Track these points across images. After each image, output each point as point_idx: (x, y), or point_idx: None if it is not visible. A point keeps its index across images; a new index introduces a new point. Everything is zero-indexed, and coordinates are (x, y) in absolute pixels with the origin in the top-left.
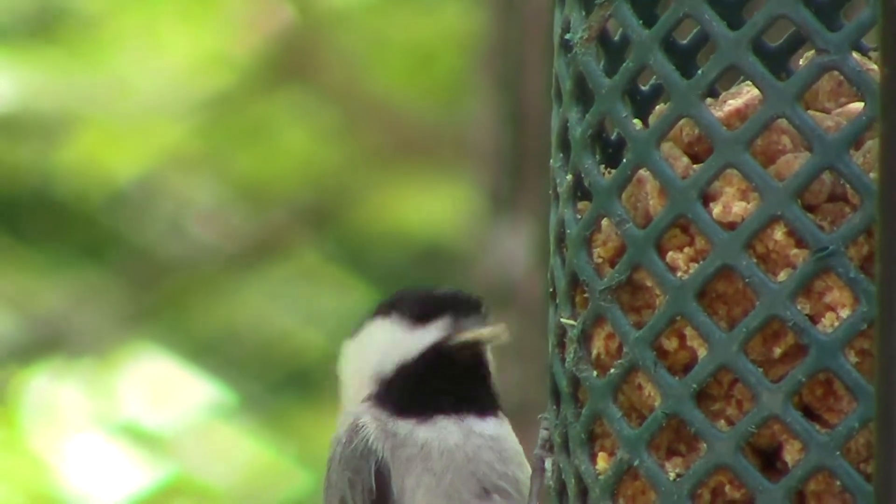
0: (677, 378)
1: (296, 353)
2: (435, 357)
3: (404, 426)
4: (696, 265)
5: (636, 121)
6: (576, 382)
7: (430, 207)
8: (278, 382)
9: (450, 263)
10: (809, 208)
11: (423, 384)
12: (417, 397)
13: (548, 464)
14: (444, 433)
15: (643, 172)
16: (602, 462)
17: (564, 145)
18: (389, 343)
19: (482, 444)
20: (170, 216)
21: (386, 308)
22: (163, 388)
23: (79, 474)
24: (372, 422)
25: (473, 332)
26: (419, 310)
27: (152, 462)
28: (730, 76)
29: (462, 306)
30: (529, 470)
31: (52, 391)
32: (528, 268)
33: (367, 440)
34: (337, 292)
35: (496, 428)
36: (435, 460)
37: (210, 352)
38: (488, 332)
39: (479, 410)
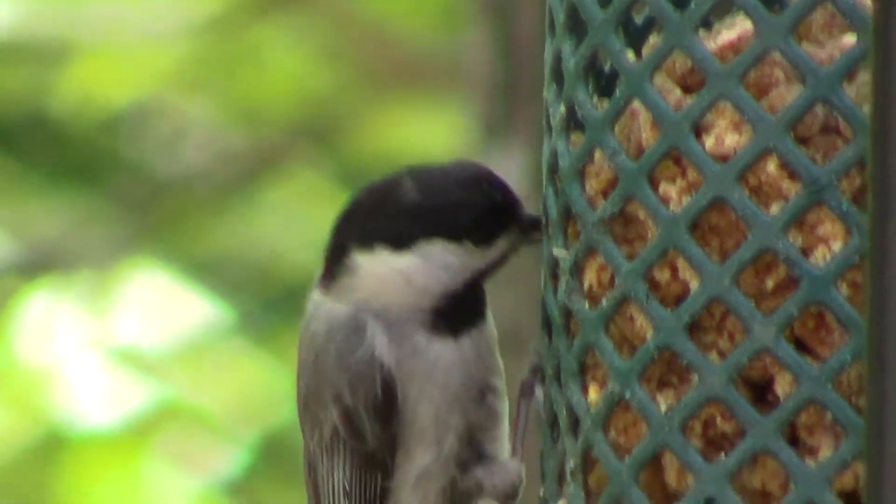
0: (669, 310)
1: (293, 272)
2: (495, 267)
3: (424, 339)
4: (689, 197)
5: (629, 53)
6: (568, 314)
7: (425, 132)
8: (275, 301)
9: None
10: (802, 141)
11: (472, 297)
12: (463, 312)
13: (538, 392)
14: (460, 345)
15: (636, 105)
16: (593, 394)
17: (557, 77)
18: (460, 266)
19: (484, 346)
20: (167, 138)
21: (453, 232)
22: (160, 307)
23: (74, 394)
24: (379, 327)
25: (537, 237)
26: (487, 232)
27: (148, 383)
28: (723, 6)
29: (518, 211)
30: None
31: (48, 310)
32: (521, 193)
33: (374, 350)
34: (334, 211)
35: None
36: (440, 372)
37: (207, 272)
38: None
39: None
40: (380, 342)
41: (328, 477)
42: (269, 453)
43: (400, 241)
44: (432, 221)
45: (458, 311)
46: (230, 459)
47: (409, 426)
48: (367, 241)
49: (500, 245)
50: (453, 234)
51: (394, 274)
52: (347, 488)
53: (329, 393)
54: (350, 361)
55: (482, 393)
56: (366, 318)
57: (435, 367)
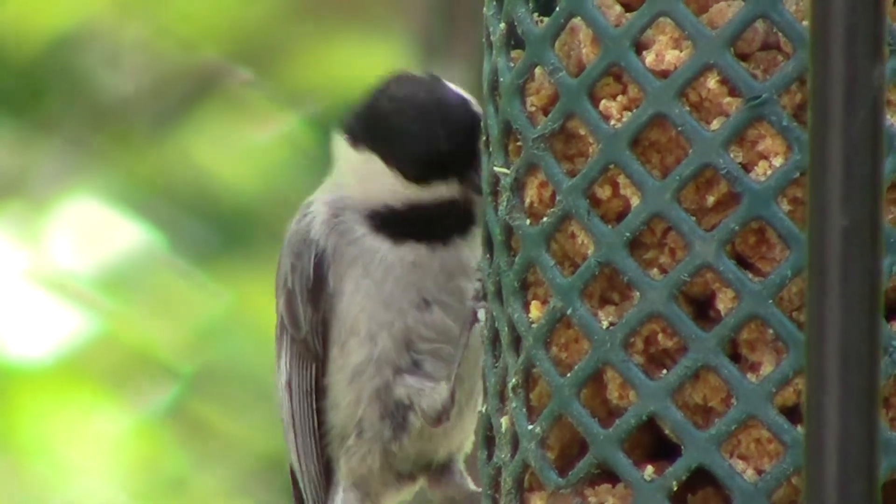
0: (610, 226)
1: (233, 194)
2: (444, 207)
3: (363, 232)
4: (630, 114)
5: None
6: (509, 231)
7: (363, 56)
8: (215, 225)
9: None
10: (742, 57)
11: (421, 220)
12: (411, 227)
13: (481, 314)
14: (399, 249)
15: (576, 21)
16: (535, 311)
17: None
18: (395, 189)
19: (430, 261)
20: (103, 65)
21: (385, 154)
22: (96, 235)
23: (7, 324)
24: (324, 212)
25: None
26: (420, 171)
27: (84, 312)
28: None
29: (464, 167)
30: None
31: None
32: None
33: (311, 229)
34: (274, 132)
35: (453, 246)
36: (375, 266)
37: (146, 198)
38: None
39: (449, 236)
40: (318, 224)
41: (277, 370)
42: (207, 382)
43: (353, 139)
44: (375, 137)
45: (402, 225)
46: (167, 389)
47: (343, 317)
48: (342, 127)
49: (437, 189)
50: (386, 156)
51: (349, 167)
52: (288, 379)
53: (282, 279)
54: (293, 239)
55: (426, 302)
56: (314, 201)
57: (371, 260)
